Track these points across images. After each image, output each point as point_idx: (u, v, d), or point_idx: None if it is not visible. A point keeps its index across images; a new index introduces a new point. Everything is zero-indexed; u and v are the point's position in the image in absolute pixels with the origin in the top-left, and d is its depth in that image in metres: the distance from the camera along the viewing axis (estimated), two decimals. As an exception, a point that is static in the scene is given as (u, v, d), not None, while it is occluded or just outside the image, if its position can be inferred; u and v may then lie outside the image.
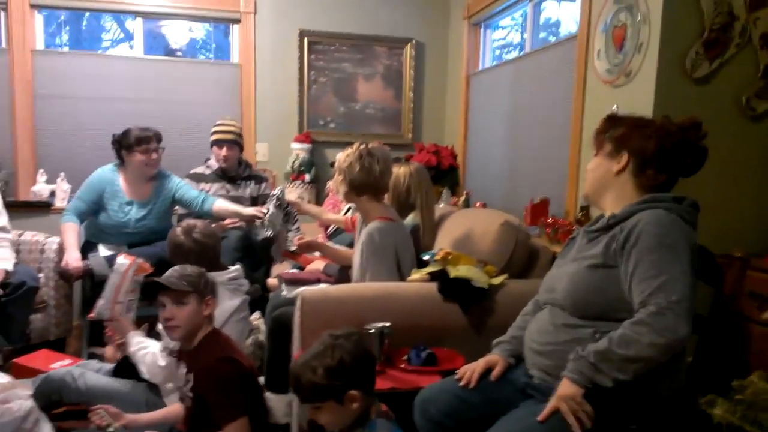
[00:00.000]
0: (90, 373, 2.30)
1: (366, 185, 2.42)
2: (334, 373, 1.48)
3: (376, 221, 2.39)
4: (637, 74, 2.43)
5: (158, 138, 3.40)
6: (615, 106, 2.53)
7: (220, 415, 1.84)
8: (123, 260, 2.38)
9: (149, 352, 2.21)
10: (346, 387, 1.49)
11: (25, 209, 3.77)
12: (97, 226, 3.35)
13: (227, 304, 2.41)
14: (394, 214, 2.52)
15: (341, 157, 2.47)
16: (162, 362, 2.16)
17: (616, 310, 1.45)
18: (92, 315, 2.37)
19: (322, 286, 2.53)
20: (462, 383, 1.67)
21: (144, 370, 2.19)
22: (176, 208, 3.62)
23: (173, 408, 2.07)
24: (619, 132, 1.61)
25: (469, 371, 1.70)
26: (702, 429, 1.01)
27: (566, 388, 1.42)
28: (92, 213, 3.34)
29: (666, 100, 2.33)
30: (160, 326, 2.20)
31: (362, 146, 2.45)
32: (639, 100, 2.41)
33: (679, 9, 2.29)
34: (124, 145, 3.33)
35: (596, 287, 1.49)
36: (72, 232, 3.23)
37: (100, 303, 2.33)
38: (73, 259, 3.13)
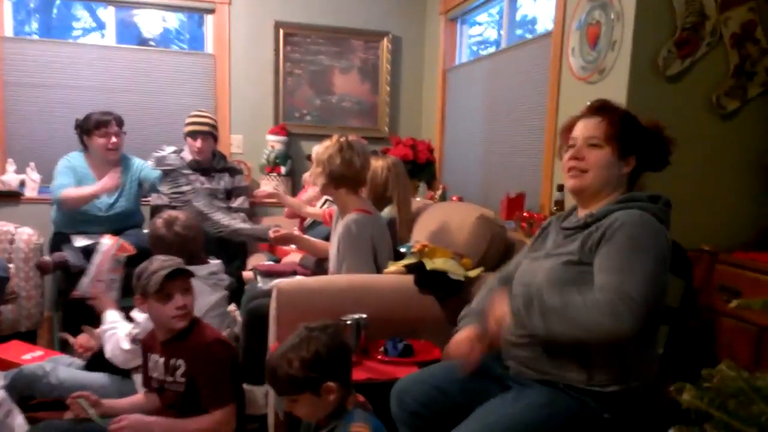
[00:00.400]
0: (61, 367, 2.28)
1: (345, 178, 2.43)
2: (310, 366, 1.49)
3: (353, 213, 2.40)
4: (610, 71, 2.47)
5: (119, 122, 3.41)
6: (588, 103, 2.57)
7: (211, 398, 1.85)
8: (107, 240, 2.42)
9: (115, 333, 2.21)
10: (322, 379, 1.50)
11: (-7, 199, 3.69)
12: (69, 216, 3.30)
13: (206, 299, 2.40)
14: (371, 206, 2.53)
15: (320, 149, 2.47)
16: (125, 346, 2.17)
17: None
18: (76, 292, 2.39)
19: (298, 278, 2.54)
20: (468, 372, 1.64)
21: (107, 349, 2.20)
22: (150, 198, 3.60)
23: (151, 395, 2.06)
24: (631, 135, 1.59)
25: (466, 358, 1.64)
26: (671, 416, 1.04)
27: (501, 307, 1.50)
28: None
29: (638, 97, 2.37)
30: (134, 312, 2.20)
31: (342, 139, 2.46)
32: (612, 97, 2.38)
33: (652, 8, 2.33)
34: (85, 129, 3.37)
35: (572, 283, 1.49)
36: (77, 188, 3.27)
37: (84, 281, 2.35)
38: (112, 177, 3.24)
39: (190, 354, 1.91)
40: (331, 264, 2.48)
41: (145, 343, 2.07)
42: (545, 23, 3.41)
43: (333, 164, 2.41)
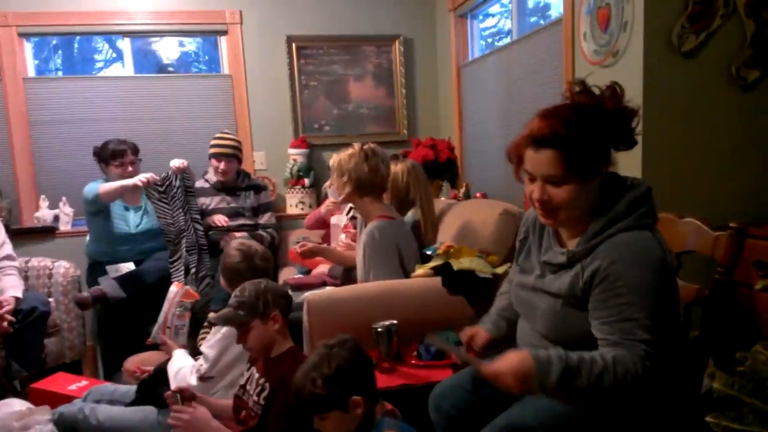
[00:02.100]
0: (101, 406, 2.31)
1: (372, 185, 2.43)
2: (334, 382, 1.49)
3: (375, 221, 2.40)
4: (624, 53, 2.43)
5: (134, 150, 3.53)
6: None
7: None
8: (173, 288, 2.52)
9: (183, 368, 2.24)
10: (347, 394, 1.49)
11: (30, 236, 3.81)
12: (104, 241, 3.38)
13: None
14: (393, 212, 2.53)
15: (342, 158, 2.46)
16: (192, 381, 2.17)
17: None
18: (149, 340, 2.54)
19: (328, 288, 2.55)
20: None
21: (174, 385, 2.21)
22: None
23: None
24: (592, 153, 1.38)
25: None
26: (706, 404, 1.02)
27: (524, 362, 1.30)
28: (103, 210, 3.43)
29: (655, 76, 2.33)
30: (203, 347, 2.24)
31: (366, 146, 2.45)
32: (628, 78, 2.41)
33: (662, -16, 2.29)
34: (102, 158, 3.48)
35: (575, 325, 1.43)
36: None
37: (154, 328, 2.50)
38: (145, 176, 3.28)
39: (275, 381, 1.88)
40: (359, 272, 2.49)
41: (251, 356, 2.07)
42: (558, 7, 3.37)
43: (360, 172, 2.41)
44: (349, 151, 2.47)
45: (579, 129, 1.36)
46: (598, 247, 1.39)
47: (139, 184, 3.22)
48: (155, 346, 2.60)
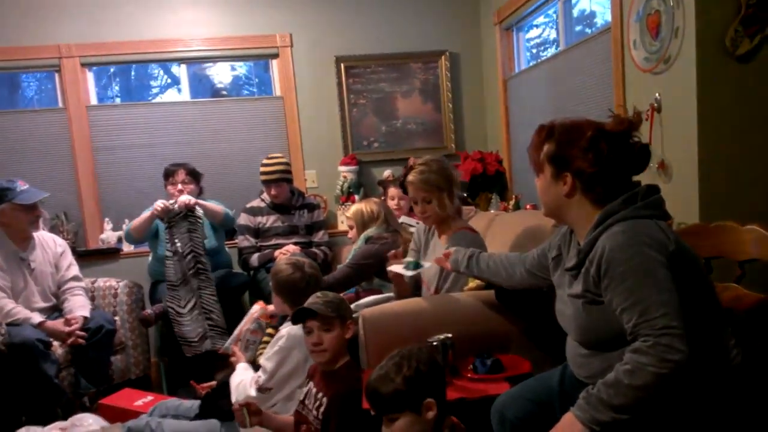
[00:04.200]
0: (167, 420, 2.38)
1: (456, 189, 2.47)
2: (412, 381, 1.52)
3: (460, 230, 2.42)
4: (676, 59, 2.40)
5: (188, 171, 3.65)
6: (657, 94, 2.51)
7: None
8: (255, 306, 2.64)
9: (243, 380, 2.31)
10: (423, 395, 1.53)
11: (96, 257, 3.98)
12: (160, 262, 3.52)
13: None
14: (467, 222, 2.53)
15: (438, 174, 2.39)
16: (252, 392, 2.23)
17: None
18: (222, 350, 2.70)
19: (383, 303, 2.57)
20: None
21: (234, 396, 2.29)
22: (237, 240, 3.78)
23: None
24: (551, 150, 1.54)
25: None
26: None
27: (569, 424, 1.39)
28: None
29: (709, 81, 2.29)
30: (262, 359, 2.30)
31: (429, 159, 2.46)
32: (681, 85, 2.38)
33: (712, -12, 2.26)
34: (163, 179, 3.66)
35: (600, 324, 1.45)
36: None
37: (228, 340, 2.62)
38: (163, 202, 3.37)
39: (331, 395, 1.94)
40: (432, 281, 2.49)
41: (309, 371, 2.15)
42: (605, 15, 3.35)
43: (454, 178, 2.42)
44: (429, 164, 2.41)
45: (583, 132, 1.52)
46: (598, 239, 1.44)
47: (155, 212, 3.34)
48: (224, 357, 2.69)
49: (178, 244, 3.28)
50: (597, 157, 1.47)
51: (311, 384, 2.07)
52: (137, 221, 3.48)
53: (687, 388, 1.36)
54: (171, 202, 3.35)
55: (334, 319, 2.00)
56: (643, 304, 1.32)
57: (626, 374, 1.32)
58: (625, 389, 1.31)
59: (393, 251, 2.54)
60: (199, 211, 3.39)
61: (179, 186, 3.58)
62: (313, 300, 2.03)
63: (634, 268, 1.35)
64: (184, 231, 3.32)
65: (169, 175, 3.64)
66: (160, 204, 3.33)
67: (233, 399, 2.28)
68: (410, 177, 2.44)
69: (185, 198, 3.37)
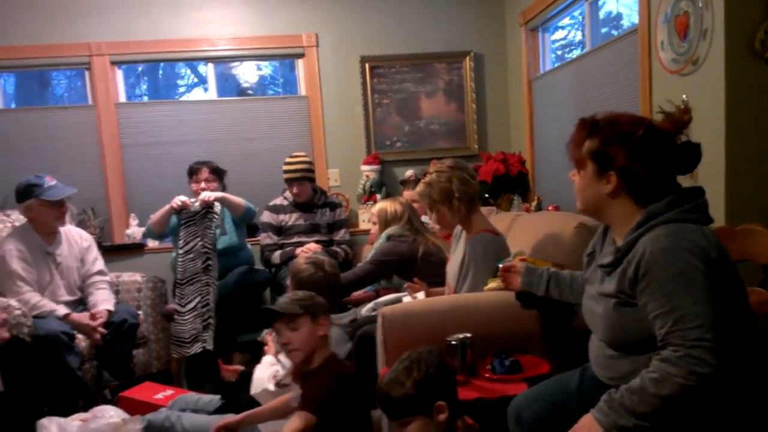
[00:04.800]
0: (186, 414, 2.43)
1: (475, 197, 2.44)
2: (422, 385, 1.52)
3: (481, 233, 2.41)
4: (704, 61, 2.37)
5: (212, 169, 3.69)
6: (684, 96, 2.47)
7: (302, 402, 1.90)
8: None
9: (262, 375, 2.33)
10: (434, 398, 1.52)
11: (121, 252, 4.05)
12: None
13: (344, 347, 2.52)
14: (492, 224, 2.52)
15: (439, 184, 2.39)
16: (270, 387, 2.26)
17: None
18: (260, 338, 2.80)
19: (402, 301, 2.58)
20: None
21: (252, 390, 2.32)
22: (260, 237, 3.80)
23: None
24: (595, 146, 1.46)
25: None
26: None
27: (587, 426, 1.38)
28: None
29: (737, 83, 2.26)
30: (281, 355, 2.31)
31: (448, 163, 2.45)
32: (709, 86, 2.35)
33: (743, -10, 2.23)
34: (188, 176, 3.69)
35: (631, 326, 1.42)
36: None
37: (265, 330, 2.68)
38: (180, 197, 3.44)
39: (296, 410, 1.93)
40: (451, 278, 2.49)
41: (293, 372, 2.16)
42: (631, 16, 3.32)
43: (468, 188, 2.39)
44: (438, 174, 2.41)
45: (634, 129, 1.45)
46: (639, 240, 1.39)
47: (175, 206, 3.38)
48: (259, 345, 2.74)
49: (192, 243, 3.31)
50: (648, 157, 1.41)
51: (296, 386, 2.08)
52: (156, 216, 3.51)
53: (713, 399, 1.34)
54: (192, 200, 3.39)
55: (301, 317, 1.97)
56: (679, 312, 1.29)
57: (652, 383, 1.30)
58: (650, 398, 1.30)
59: (409, 284, 2.65)
60: (217, 207, 3.42)
61: (203, 184, 3.62)
62: (281, 299, 2.03)
63: (675, 274, 1.31)
64: (201, 230, 3.35)
65: (192, 173, 3.69)
66: (179, 200, 3.37)
67: (252, 392, 2.31)
68: (416, 188, 2.50)
69: (205, 195, 3.41)
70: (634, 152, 1.41)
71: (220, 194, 3.49)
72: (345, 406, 1.91)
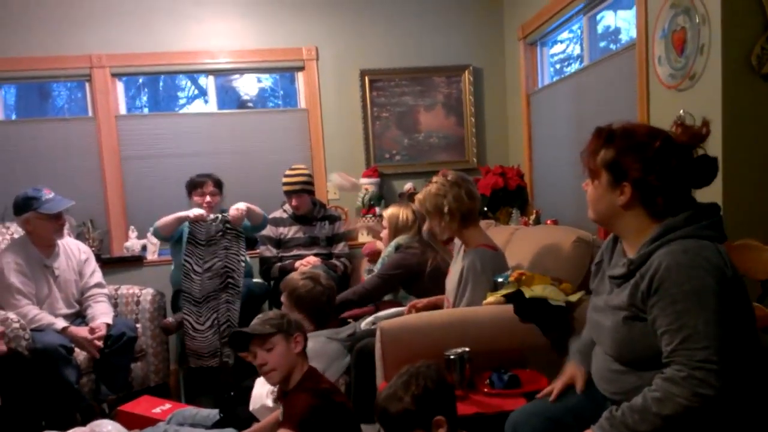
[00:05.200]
0: (184, 428, 2.42)
1: (473, 212, 2.44)
2: (420, 400, 1.53)
3: (479, 247, 2.41)
4: (701, 76, 2.38)
5: (215, 182, 3.67)
6: (681, 111, 2.48)
7: (283, 420, 1.90)
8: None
9: (261, 391, 2.32)
10: (432, 413, 1.52)
11: (120, 264, 4.04)
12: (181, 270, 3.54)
13: (342, 362, 2.51)
14: (491, 239, 2.52)
15: (432, 196, 2.42)
16: (269, 403, 2.24)
17: None
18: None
19: (400, 316, 2.57)
20: (543, 395, 1.67)
21: (251, 405, 2.31)
22: (259, 250, 3.79)
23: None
24: (610, 156, 1.45)
25: (552, 388, 1.69)
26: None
27: None
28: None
29: (734, 99, 2.27)
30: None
31: (449, 177, 2.45)
32: (706, 102, 2.36)
33: (739, 6, 2.24)
34: (188, 189, 3.67)
35: (639, 341, 1.41)
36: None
37: None
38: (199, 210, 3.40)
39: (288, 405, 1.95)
40: (450, 292, 2.49)
41: (277, 394, 2.15)
42: (629, 31, 3.34)
43: (462, 203, 2.40)
44: (437, 187, 2.43)
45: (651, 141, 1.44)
46: (654, 253, 1.37)
47: (191, 216, 3.35)
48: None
49: (211, 263, 3.30)
50: (663, 170, 1.40)
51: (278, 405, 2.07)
52: (167, 218, 3.44)
53: (717, 418, 1.32)
54: (212, 217, 3.36)
55: (273, 336, 1.97)
56: (687, 331, 1.28)
57: (655, 402, 1.30)
58: (652, 417, 1.29)
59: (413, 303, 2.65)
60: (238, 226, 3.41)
61: (208, 197, 3.61)
62: (253, 322, 2.02)
63: (688, 292, 1.30)
64: (222, 248, 3.34)
65: (196, 185, 3.66)
66: (197, 212, 3.35)
67: (251, 407, 2.30)
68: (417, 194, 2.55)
69: (238, 209, 3.37)
70: (650, 164, 1.40)
71: (249, 205, 3.46)
72: (329, 420, 1.90)
